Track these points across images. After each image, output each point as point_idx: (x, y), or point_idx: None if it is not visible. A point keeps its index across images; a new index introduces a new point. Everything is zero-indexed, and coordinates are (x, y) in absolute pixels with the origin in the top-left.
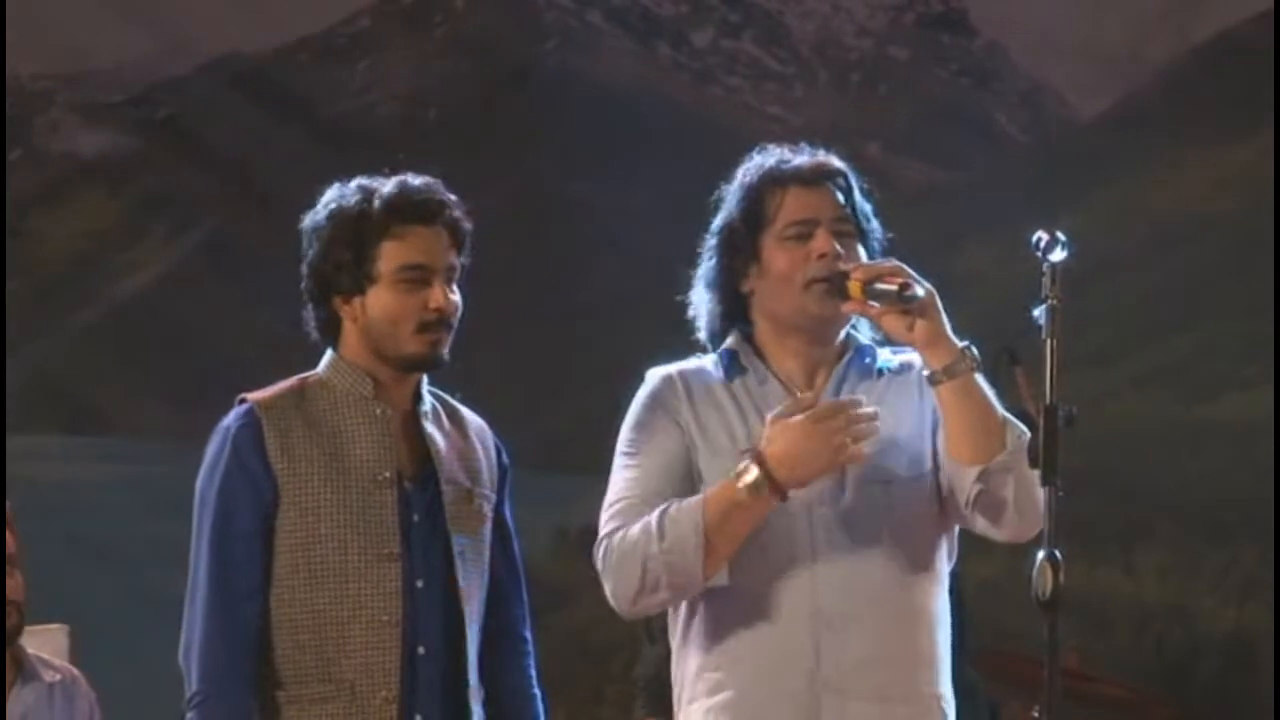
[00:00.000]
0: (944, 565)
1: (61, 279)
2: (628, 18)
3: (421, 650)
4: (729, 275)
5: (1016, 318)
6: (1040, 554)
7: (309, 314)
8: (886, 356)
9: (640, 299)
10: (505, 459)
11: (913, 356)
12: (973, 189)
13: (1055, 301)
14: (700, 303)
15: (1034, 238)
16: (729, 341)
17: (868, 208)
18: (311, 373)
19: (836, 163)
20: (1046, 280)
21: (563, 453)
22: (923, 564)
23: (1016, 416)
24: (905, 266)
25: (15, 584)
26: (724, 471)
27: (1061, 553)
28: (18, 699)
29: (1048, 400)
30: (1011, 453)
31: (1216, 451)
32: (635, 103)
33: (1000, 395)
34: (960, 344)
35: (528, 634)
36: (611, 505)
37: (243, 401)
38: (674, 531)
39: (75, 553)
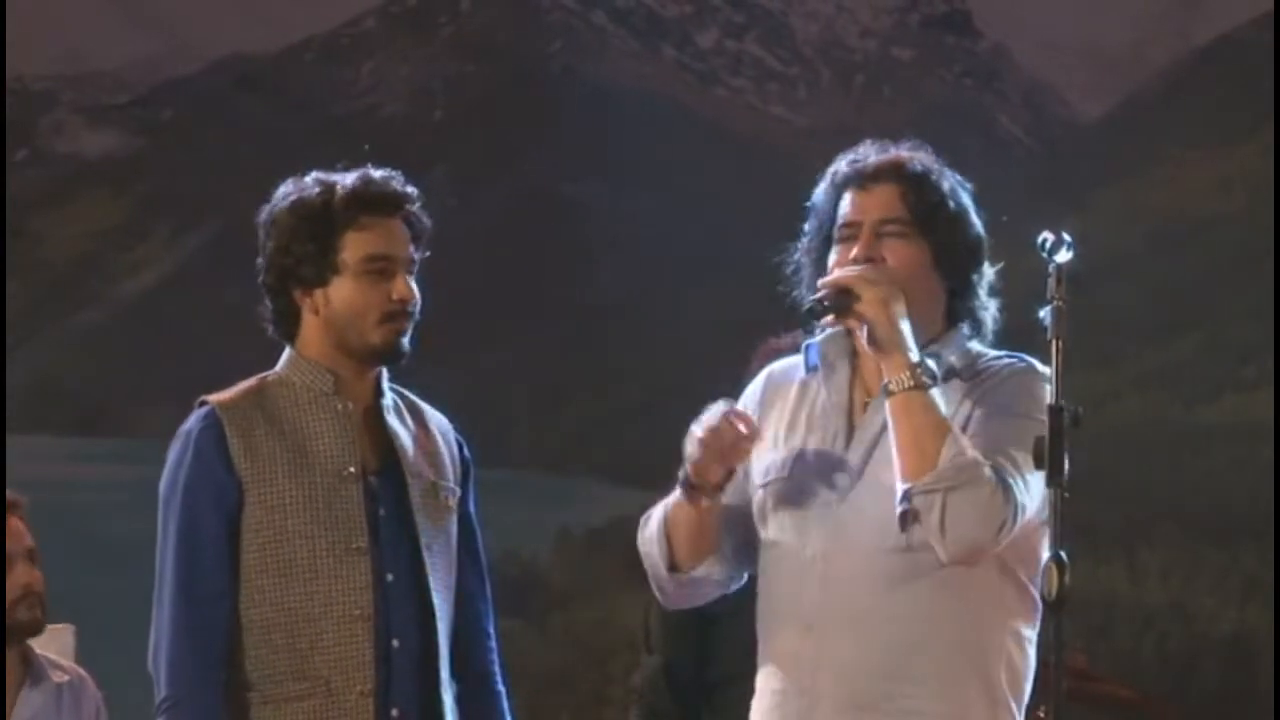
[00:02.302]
0: (983, 583)
1: (65, 279)
2: (632, 19)
3: (395, 643)
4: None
5: (1019, 319)
6: (1045, 555)
7: (266, 308)
8: (959, 361)
9: (645, 300)
10: (467, 454)
11: (992, 364)
12: (975, 189)
13: (1061, 302)
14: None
15: (1039, 238)
16: (827, 332)
17: (949, 205)
18: (270, 372)
19: (903, 160)
20: (1052, 281)
21: (566, 454)
22: (951, 579)
23: None
24: (868, 271)
25: (36, 578)
26: (760, 462)
27: (1067, 553)
28: (27, 700)
29: (1053, 401)
30: (940, 474)
31: (1218, 452)
32: (639, 103)
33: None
34: (915, 358)
35: (491, 628)
36: None
37: (203, 404)
38: (645, 529)
39: (80, 553)
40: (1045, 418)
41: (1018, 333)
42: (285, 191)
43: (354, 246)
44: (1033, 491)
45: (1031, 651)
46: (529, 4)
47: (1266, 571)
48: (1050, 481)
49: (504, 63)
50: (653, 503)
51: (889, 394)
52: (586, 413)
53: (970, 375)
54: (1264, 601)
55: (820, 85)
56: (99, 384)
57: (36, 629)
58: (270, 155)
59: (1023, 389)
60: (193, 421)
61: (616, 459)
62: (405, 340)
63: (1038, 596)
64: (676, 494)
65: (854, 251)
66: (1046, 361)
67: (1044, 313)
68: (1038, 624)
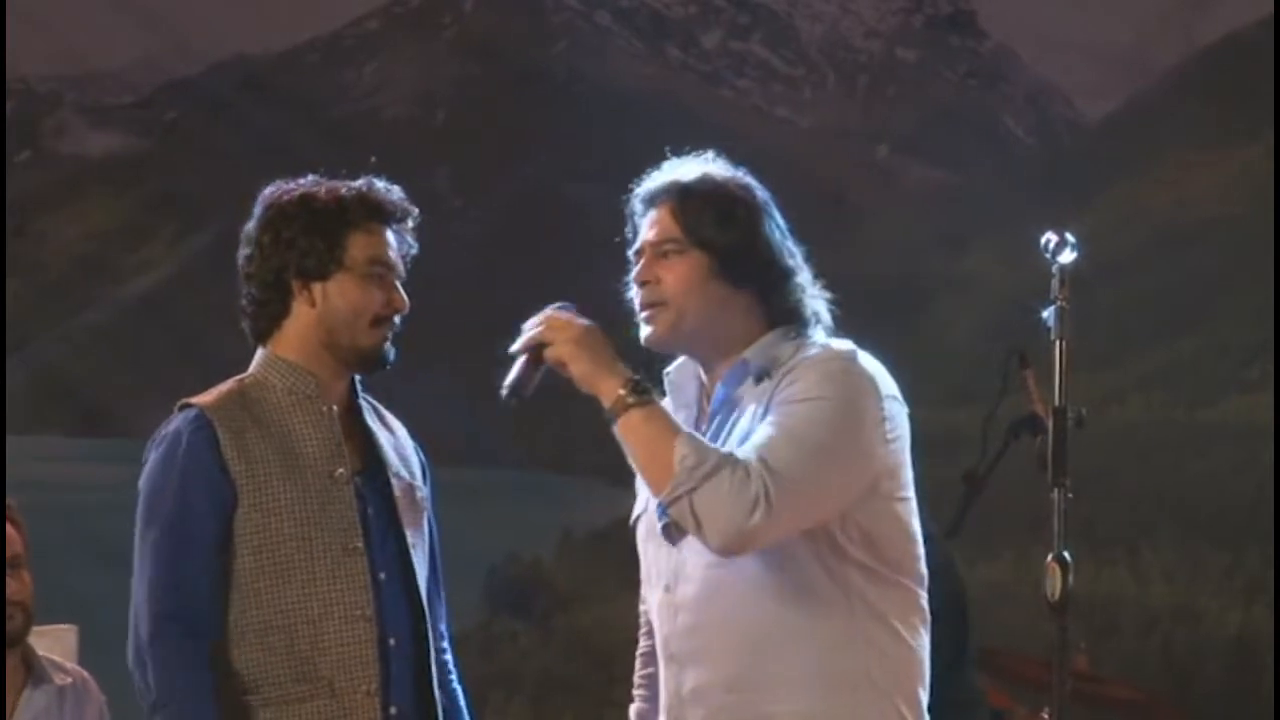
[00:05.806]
0: (824, 577)
1: (67, 280)
2: (636, 19)
3: (392, 642)
4: None
5: (1023, 319)
6: (1049, 556)
7: (250, 302)
8: (766, 364)
9: None
10: (422, 457)
11: (798, 359)
12: (980, 191)
13: (1064, 303)
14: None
15: (1043, 239)
16: (678, 360)
17: (722, 213)
18: (245, 374)
19: (678, 178)
20: (1055, 282)
21: (568, 455)
22: (786, 580)
23: (1026, 418)
24: (551, 318)
25: (21, 585)
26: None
27: (1070, 554)
28: (29, 702)
29: (1057, 402)
30: (676, 481)
31: (1220, 454)
32: (643, 104)
33: (1009, 397)
34: (625, 376)
35: (445, 629)
36: None
37: (185, 406)
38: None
39: (83, 554)
40: (829, 394)
41: (1021, 333)
42: (282, 189)
43: (360, 246)
44: (797, 470)
45: (912, 637)
46: (533, 5)
47: (1269, 572)
48: (1054, 482)
49: (507, 64)
50: None
51: (611, 421)
52: (588, 413)
53: (778, 375)
54: (1267, 602)
55: (825, 86)
56: (101, 384)
57: (20, 638)
58: (273, 156)
59: (808, 374)
60: (180, 423)
61: (619, 460)
62: (390, 349)
63: (913, 581)
64: None
65: (633, 274)
66: (1044, 365)
67: (1047, 313)
68: (919, 608)
